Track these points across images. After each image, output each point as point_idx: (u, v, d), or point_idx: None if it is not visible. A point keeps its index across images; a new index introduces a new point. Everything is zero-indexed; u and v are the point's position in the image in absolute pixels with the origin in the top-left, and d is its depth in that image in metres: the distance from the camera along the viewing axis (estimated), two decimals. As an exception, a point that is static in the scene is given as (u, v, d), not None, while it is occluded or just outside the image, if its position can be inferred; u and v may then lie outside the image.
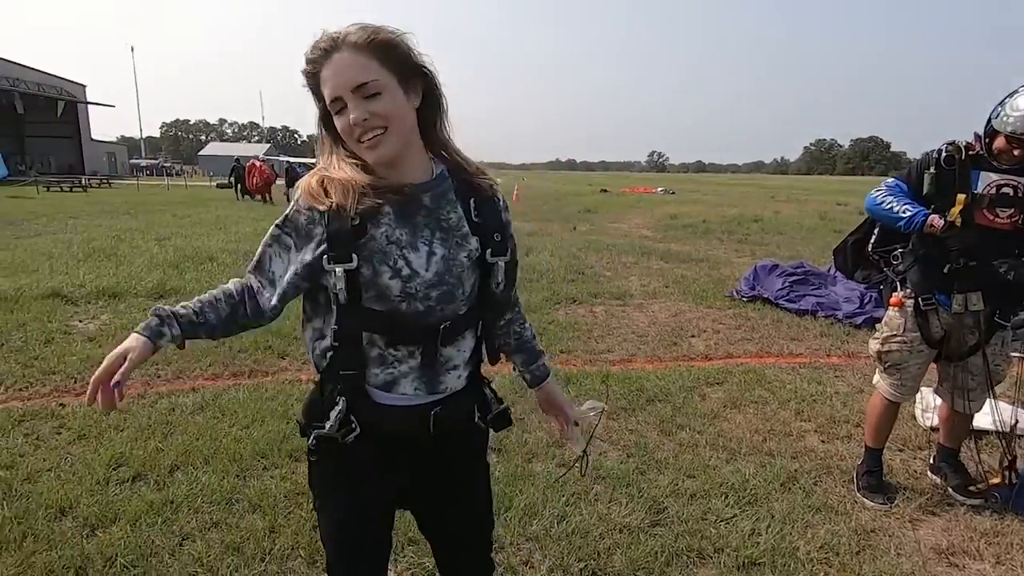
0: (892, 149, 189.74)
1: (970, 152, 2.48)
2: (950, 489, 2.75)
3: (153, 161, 73.30)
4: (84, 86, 48.84)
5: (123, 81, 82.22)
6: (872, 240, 2.78)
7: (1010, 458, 2.63)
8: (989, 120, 2.40)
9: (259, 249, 1.20)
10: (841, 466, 2.99)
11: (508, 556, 2.26)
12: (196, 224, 13.14)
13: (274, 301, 1.18)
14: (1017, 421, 2.76)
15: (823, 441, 3.30)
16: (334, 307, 1.16)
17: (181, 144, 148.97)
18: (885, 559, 2.28)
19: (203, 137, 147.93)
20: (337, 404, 1.17)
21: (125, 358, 1.06)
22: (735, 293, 6.64)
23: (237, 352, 4.54)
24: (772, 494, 2.72)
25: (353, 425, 1.18)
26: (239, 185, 22.04)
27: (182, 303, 1.17)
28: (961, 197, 2.43)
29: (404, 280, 1.12)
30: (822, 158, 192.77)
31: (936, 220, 2.39)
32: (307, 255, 1.13)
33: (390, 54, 1.08)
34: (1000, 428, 2.75)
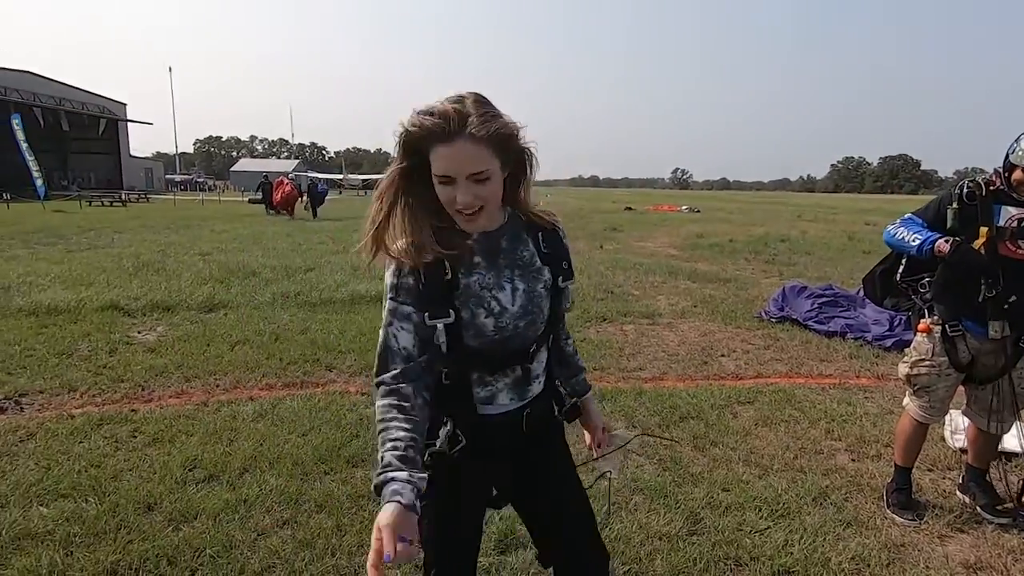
0: (922, 167, 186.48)
1: (990, 187, 2.62)
2: (979, 508, 2.85)
3: (187, 176, 75.67)
4: (124, 104, 50.83)
5: (159, 98, 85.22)
6: (900, 270, 2.92)
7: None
8: (1007, 155, 2.55)
9: (381, 335, 1.27)
10: (871, 484, 3.11)
11: (556, 558, 2.44)
12: (234, 239, 13.64)
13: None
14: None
15: (853, 460, 3.42)
16: (440, 351, 1.28)
17: (214, 160, 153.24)
18: (914, 571, 2.41)
19: (234, 153, 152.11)
20: (445, 424, 1.32)
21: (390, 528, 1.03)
22: (764, 314, 6.74)
23: (287, 364, 4.82)
24: (804, 508, 2.85)
25: (460, 439, 1.34)
26: (267, 200, 23.22)
27: (395, 451, 1.14)
28: (984, 230, 2.57)
29: (496, 317, 1.29)
30: (850, 176, 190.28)
31: (942, 245, 2.54)
32: (423, 314, 1.25)
33: (503, 145, 1.18)
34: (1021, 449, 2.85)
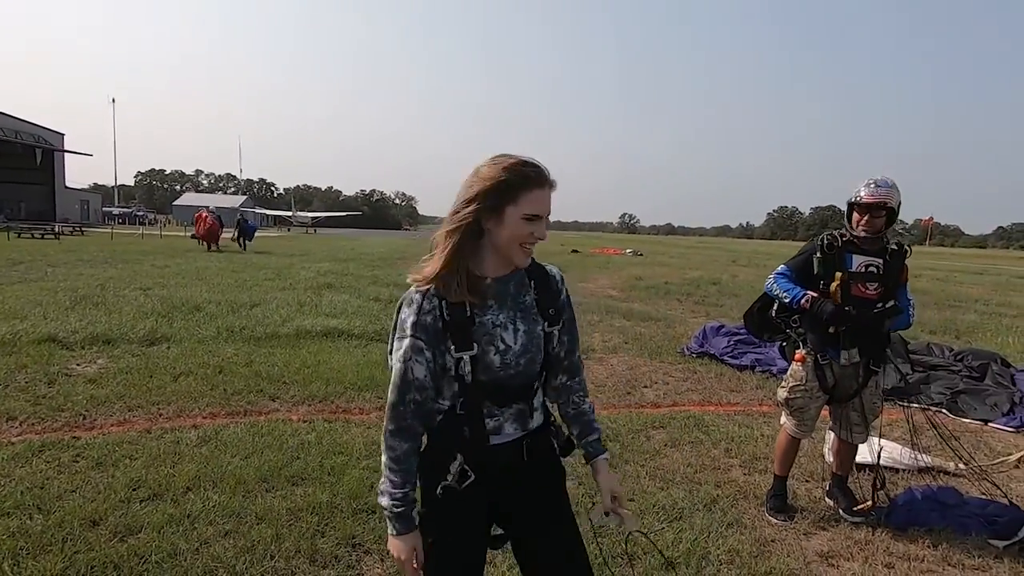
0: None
1: (843, 239, 3.23)
2: (840, 510, 3.35)
3: (126, 209, 73.01)
4: (63, 135, 49.18)
5: (99, 129, 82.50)
6: (774, 308, 3.47)
7: (880, 484, 3.27)
8: (846, 215, 3.17)
9: (399, 368, 1.42)
10: (757, 493, 3.57)
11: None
12: (177, 275, 13.46)
13: (439, 403, 1.49)
14: (879, 454, 3.39)
15: (745, 473, 3.89)
16: (455, 385, 1.46)
17: (155, 193, 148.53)
18: (777, 560, 2.85)
19: (178, 187, 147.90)
20: (455, 459, 1.47)
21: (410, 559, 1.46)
22: (686, 350, 7.33)
23: (231, 395, 4.98)
24: (695, 513, 3.27)
25: (469, 473, 1.48)
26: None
27: (395, 483, 1.46)
28: (839, 275, 3.17)
29: (502, 355, 1.46)
30: (784, 224, 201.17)
31: (804, 304, 3.16)
32: (435, 350, 1.43)
33: None
34: (872, 460, 3.39)
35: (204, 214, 23.22)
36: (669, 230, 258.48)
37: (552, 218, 1.57)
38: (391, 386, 1.45)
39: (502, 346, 1.46)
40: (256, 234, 26.25)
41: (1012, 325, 10.61)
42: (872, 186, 3.08)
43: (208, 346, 6.58)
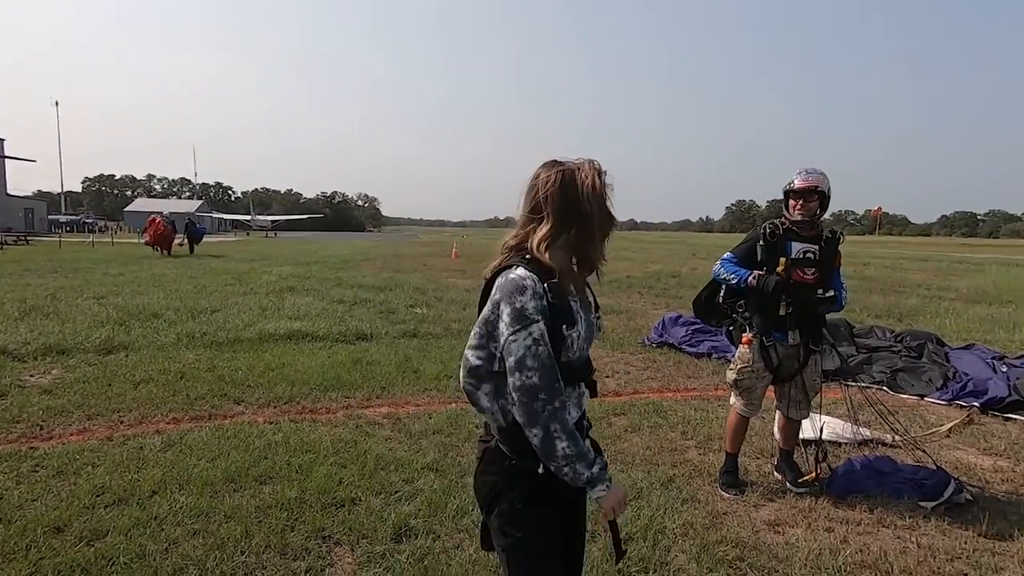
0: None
1: (783, 227, 3.44)
2: (787, 483, 3.57)
3: (74, 217, 70.17)
4: (2, 140, 46.98)
5: (43, 133, 79.16)
6: (721, 294, 3.67)
7: (822, 457, 3.51)
8: (784, 203, 3.39)
9: (541, 352, 1.45)
10: (711, 470, 3.77)
11: (444, 542, 2.85)
12: (132, 282, 13.10)
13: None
14: (822, 429, 3.64)
15: (700, 453, 4.09)
16: (571, 355, 1.54)
17: (105, 199, 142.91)
18: (728, 530, 3.04)
19: (129, 192, 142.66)
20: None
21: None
22: (646, 340, 7.56)
23: (195, 400, 4.95)
24: (653, 491, 3.45)
25: None
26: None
27: (583, 448, 1.48)
28: (783, 260, 3.38)
29: (578, 339, 1.55)
30: (743, 217, 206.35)
31: (751, 280, 3.34)
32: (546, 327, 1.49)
33: None
34: (815, 436, 3.63)
35: (157, 219, 23.38)
36: (632, 225, 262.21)
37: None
38: (539, 371, 1.45)
39: (581, 332, 1.56)
40: (215, 239, 26.69)
41: (950, 308, 11.24)
42: (804, 173, 3.33)
43: (168, 353, 6.49)
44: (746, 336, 3.55)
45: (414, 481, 3.50)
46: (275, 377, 5.60)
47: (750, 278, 3.37)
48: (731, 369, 3.65)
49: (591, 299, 1.69)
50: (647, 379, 6.02)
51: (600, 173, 1.55)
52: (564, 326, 1.51)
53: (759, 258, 3.47)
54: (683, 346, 7.06)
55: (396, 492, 3.37)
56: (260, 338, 7.25)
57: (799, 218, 3.38)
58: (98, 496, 3.22)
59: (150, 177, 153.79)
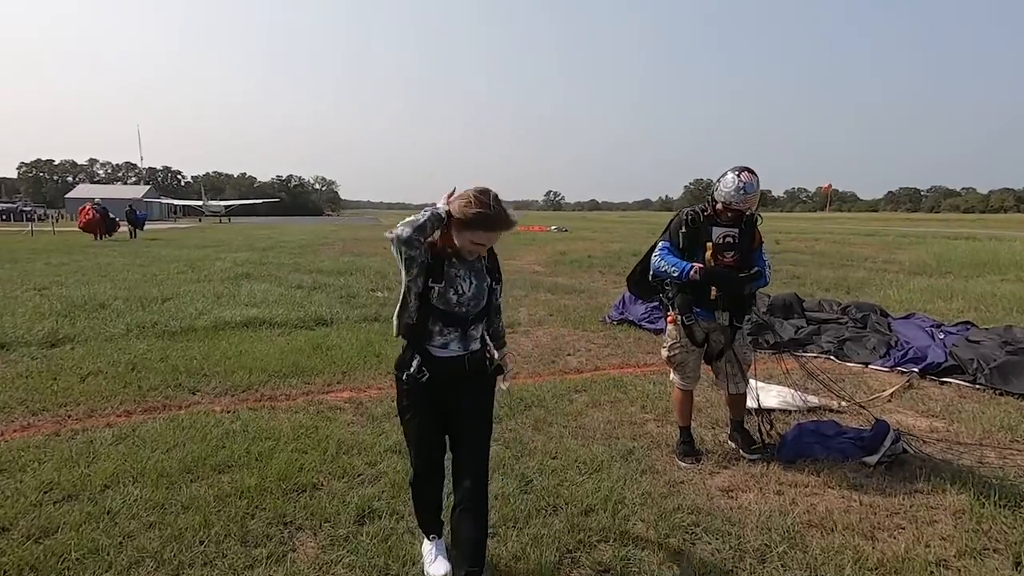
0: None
1: (706, 213, 3.53)
2: (740, 450, 3.71)
3: (10, 205, 66.36)
4: (-74, 123, 43.80)
5: (-27, 118, 74.06)
6: (651, 273, 3.74)
7: (769, 425, 3.67)
8: (712, 193, 3.47)
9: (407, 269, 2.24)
10: (668, 442, 3.88)
11: (408, 522, 2.87)
12: (76, 272, 12.54)
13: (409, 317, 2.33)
14: (758, 398, 3.80)
15: (659, 426, 4.20)
16: (419, 303, 2.27)
17: (44, 186, 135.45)
18: (685, 497, 3.15)
19: (70, 178, 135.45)
20: (415, 358, 2.30)
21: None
22: (607, 318, 7.67)
23: (147, 391, 4.81)
24: (613, 464, 3.53)
25: (424, 371, 2.30)
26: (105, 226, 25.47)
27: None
28: (709, 245, 3.48)
29: (459, 296, 2.30)
30: (700, 196, 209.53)
31: (694, 275, 3.43)
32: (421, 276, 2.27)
33: None
34: (763, 405, 3.78)
35: (87, 207, 24.92)
36: (594, 206, 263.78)
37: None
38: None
39: (461, 290, 2.30)
40: (164, 226, 28.02)
41: (894, 280, 11.76)
42: (742, 192, 3.36)
43: (118, 344, 6.26)
44: (671, 315, 3.66)
45: (377, 464, 3.50)
46: (232, 365, 5.47)
47: (692, 272, 3.45)
48: (663, 347, 3.77)
49: (482, 267, 2.39)
50: (608, 356, 6.12)
51: (469, 203, 2.18)
52: (430, 280, 2.26)
53: (681, 244, 3.55)
54: (643, 323, 7.20)
55: (359, 475, 3.36)
56: (215, 326, 7.06)
57: (727, 223, 3.51)
58: (46, 493, 3.11)
59: (92, 162, 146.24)
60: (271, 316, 7.50)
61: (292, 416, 4.26)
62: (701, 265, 3.44)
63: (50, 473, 3.31)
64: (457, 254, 2.28)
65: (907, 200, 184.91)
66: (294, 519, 2.91)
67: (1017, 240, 22.44)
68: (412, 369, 2.29)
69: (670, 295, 3.64)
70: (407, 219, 2.18)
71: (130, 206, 28.55)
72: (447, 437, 2.45)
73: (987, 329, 6.21)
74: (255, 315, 7.51)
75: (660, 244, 3.64)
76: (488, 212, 2.16)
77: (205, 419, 4.16)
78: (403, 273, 2.24)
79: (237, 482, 3.22)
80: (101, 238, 24.21)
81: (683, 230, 3.53)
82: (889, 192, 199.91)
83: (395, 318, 2.34)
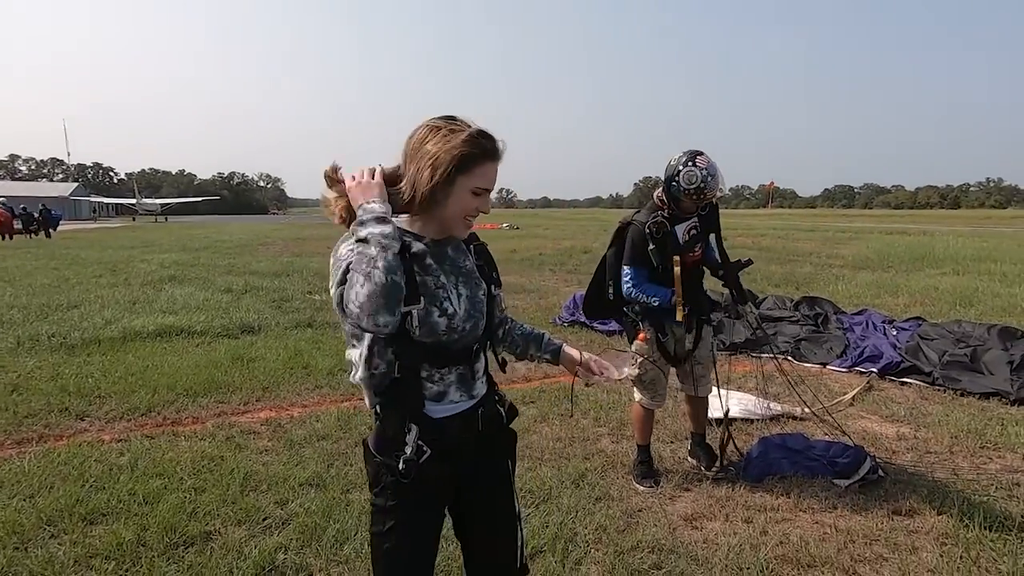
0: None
1: (665, 216, 3.17)
2: (702, 468, 3.37)
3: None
4: None
5: None
6: (610, 291, 3.36)
7: (727, 438, 3.35)
8: (670, 188, 3.11)
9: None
10: (624, 461, 3.51)
11: (316, 581, 2.37)
12: (-25, 277, 11.31)
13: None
14: (728, 409, 3.47)
15: (614, 442, 3.83)
16: (394, 344, 1.36)
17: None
18: (644, 531, 2.76)
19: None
20: (410, 431, 1.38)
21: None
22: (557, 320, 7.30)
23: (24, 418, 4.12)
24: (564, 491, 3.12)
25: (425, 450, 1.39)
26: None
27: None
28: (676, 259, 3.15)
29: (448, 316, 1.41)
30: (649, 193, 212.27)
31: (680, 314, 3.13)
32: None
33: None
34: (722, 415, 3.45)
35: None
36: (546, 203, 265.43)
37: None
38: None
39: (450, 309, 1.41)
40: (90, 226, 28.98)
41: (840, 274, 11.87)
42: (710, 178, 3.02)
43: (1, 361, 5.46)
44: (642, 333, 3.29)
45: (288, 503, 2.97)
46: (134, 383, 4.80)
47: (680, 312, 3.13)
48: (630, 364, 3.35)
49: (472, 269, 1.54)
50: (559, 361, 5.73)
51: (453, 131, 1.38)
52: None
53: (654, 263, 3.19)
54: (594, 324, 6.85)
55: (264, 519, 2.83)
56: (124, 337, 6.31)
57: (688, 216, 3.20)
58: None
59: (13, 158, 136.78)
60: (190, 324, 6.79)
61: (195, 444, 3.67)
62: (687, 307, 3.15)
63: None
64: (433, 251, 1.44)
65: (842, 197, 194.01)
66: (174, 584, 2.36)
67: (950, 235, 23.49)
68: (410, 450, 1.37)
69: (637, 310, 3.28)
70: (357, 280, 1.23)
71: (43, 204, 28.65)
72: (459, 550, 1.67)
73: (936, 325, 6.14)
74: (171, 323, 6.78)
75: (626, 272, 3.23)
76: (480, 130, 1.39)
77: (87, 452, 3.53)
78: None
79: (109, 536, 2.64)
80: (11, 238, 24.03)
81: (651, 247, 3.15)
82: (825, 189, 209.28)
83: (359, 374, 1.41)
